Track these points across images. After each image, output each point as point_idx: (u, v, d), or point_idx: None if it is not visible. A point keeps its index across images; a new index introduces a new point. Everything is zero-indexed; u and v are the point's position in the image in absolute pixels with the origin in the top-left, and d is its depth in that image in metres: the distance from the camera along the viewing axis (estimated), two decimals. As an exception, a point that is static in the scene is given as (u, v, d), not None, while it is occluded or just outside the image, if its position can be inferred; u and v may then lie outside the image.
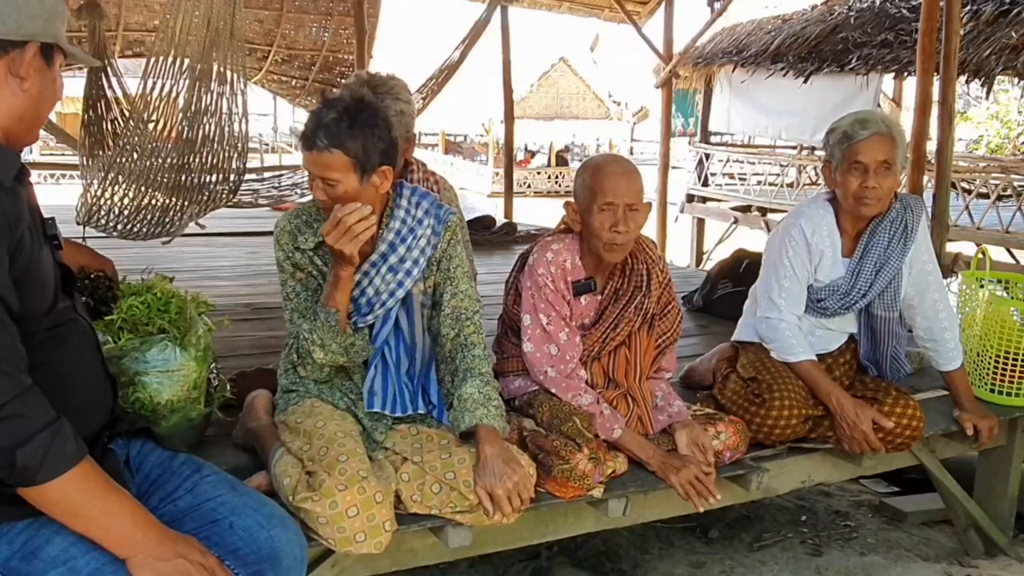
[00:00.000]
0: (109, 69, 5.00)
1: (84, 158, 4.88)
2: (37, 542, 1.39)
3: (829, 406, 2.49)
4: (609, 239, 2.23)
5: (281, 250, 2.08)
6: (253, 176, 6.23)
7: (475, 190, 20.41)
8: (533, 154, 27.50)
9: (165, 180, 4.05)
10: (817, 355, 2.64)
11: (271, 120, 25.70)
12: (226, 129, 4.03)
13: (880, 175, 2.48)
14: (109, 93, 5.00)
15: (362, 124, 1.93)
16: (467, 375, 2.06)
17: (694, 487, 2.17)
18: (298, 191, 6.00)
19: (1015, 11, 7.61)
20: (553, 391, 2.27)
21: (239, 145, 4.12)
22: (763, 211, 11.09)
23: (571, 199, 2.35)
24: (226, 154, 4.09)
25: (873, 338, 2.71)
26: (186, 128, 3.95)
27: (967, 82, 8.37)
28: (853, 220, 2.61)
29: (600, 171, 2.26)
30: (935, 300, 2.70)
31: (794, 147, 13.17)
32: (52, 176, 16.55)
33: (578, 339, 2.32)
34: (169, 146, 4.05)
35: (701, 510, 2.19)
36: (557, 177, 24.28)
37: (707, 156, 12.22)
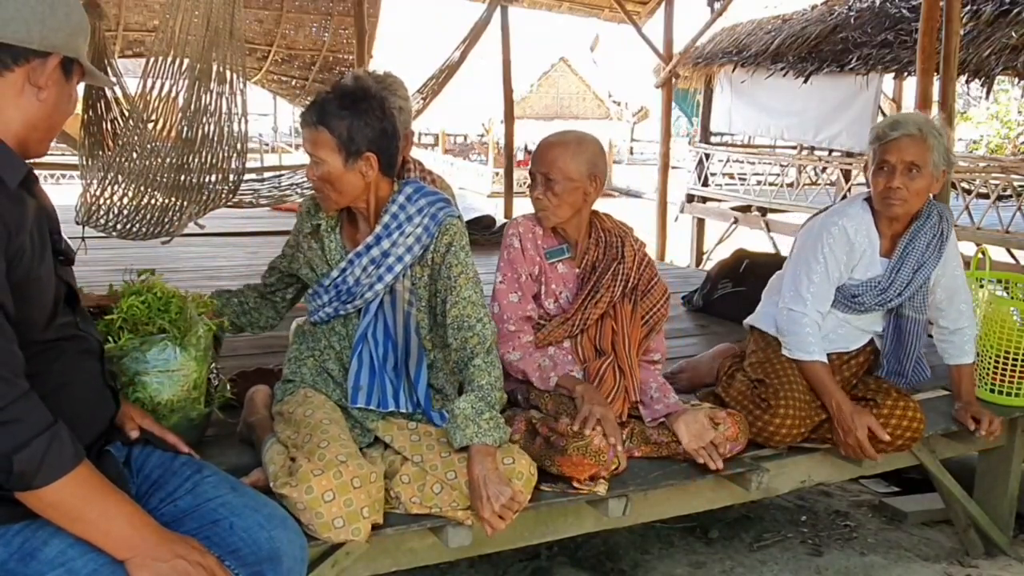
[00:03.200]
0: (109, 69, 4.99)
1: (84, 158, 4.86)
2: (35, 543, 1.38)
3: (829, 408, 2.50)
4: (535, 207, 2.41)
5: (299, 215, 2.24)
6: (253, 176, 6.22)
7: (475, 190, 20.39)
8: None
9: (165, 180, 4.04)
10: (835, 353, 2.67)
11: (271, 120, 25.71)
12: (226, 129, 4.02)
13: (905, 176, 2.50)
14: (109, 93, 4.98)
15: (352, 107, 1.96)
16: (467, 388, 2.06)
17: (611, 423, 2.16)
18: (298, 191, 5.98)
19: (1015, 11, 7.59)
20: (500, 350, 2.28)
21: (239, 145, 4.11)
22: (763, 211, 11.07)
23: None
24: (226, 154, 4.08)
25: (899, 339, 2.72)
26: (185, 128, 3.94)
27: (967, 82, 8.36)
28: (888, 221, 2.62)
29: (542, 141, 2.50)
30: (961, 305, 2.75)
31: (794, 147, 13.16)
32: (52, 176, 16.53)
33: (531, 308, 2.39)
34: (168, 146, 4.04)
35: (620, 448, 2.15)
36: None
37: (707, 156, 12.21)
